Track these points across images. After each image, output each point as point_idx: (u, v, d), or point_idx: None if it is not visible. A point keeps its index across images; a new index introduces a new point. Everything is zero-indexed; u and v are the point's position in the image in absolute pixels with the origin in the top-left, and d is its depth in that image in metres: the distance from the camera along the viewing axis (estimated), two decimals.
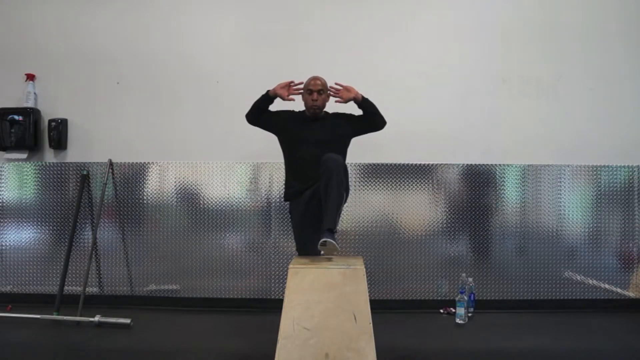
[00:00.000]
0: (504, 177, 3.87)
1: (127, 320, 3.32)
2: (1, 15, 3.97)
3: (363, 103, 3.03)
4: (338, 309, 2.36)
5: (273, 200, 3.85)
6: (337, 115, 3.15)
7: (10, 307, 3.61)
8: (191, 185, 3.90)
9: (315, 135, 2.99)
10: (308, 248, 2.92)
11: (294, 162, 3.07)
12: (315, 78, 3.06)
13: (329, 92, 3.08)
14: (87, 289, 3.60)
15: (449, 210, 3.85)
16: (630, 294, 3.80)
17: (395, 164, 3.84)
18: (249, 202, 3.87)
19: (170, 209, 3.89)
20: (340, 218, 3.77)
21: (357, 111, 3.10)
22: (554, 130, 3.88)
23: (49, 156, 3.96)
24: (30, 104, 3.89)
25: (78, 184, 3.86)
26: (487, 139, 3.88)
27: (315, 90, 3.01)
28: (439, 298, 3.78)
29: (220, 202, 3.87)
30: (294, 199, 3.05)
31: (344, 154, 3.03)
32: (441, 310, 3.71)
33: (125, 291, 3.87)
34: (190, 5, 3.94)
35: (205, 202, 3.88)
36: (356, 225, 3.82)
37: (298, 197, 3.01)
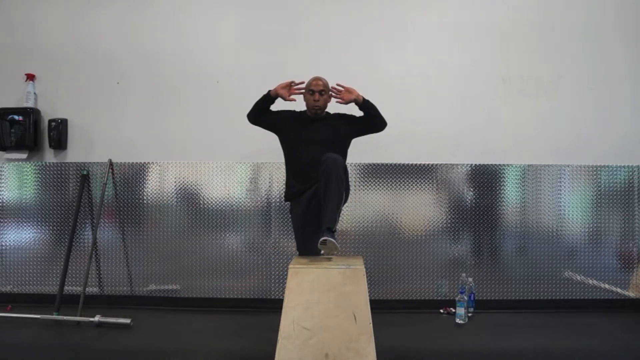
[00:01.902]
0: (504, 177, 3.87)
1: (127, 320, 3.32)
2: (1, 15, 3.97)
3: (364, 105, 3.03)
4: (338, 309, 2.36)
5: (273, 200, 3.85)
6: (338, 115, 3.15)
7: (10, 307, 3.61)
8: (191, 185, 3.90)
9: (315, 136, 2.99)
10: (308, 248, 2.92)
11: (294, 162, 3.07)
12: (317, 78, 3.06)
13: (330, 92, 3.08)
14: (87, 289, 3.60)
15: (449, 210, 3.85)
16: (630, 294, 3.80)
17: (395, 164, 3.84)
18: (249, 202, 3.87)
19: (170, 209, 3.89)
20: (340, 218, 3.78)
21: (359, 112, 3.10)
22: (554, 130, 3.88)
23: (49, 156, 3.96)
24: (30, 104, 3.89)
25: (78, 184, 3.86)
26: (487, 139, 3.88)
27: (317, 90, 3.00)
28: (439, 298, 3.78)
29: (220, 202, 3.87)
30: (295, 199, 3.05)
31: (344, 155, 3.03)
32: (441, 310, 3.71)
33: (125, 291, 3.87)
34: (190, 5, 3.94)
35: (205, 202, 3.88)
36: (356, 225, 3.82)
37: (298, 197, 3.01)
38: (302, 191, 2.98)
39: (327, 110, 3.12)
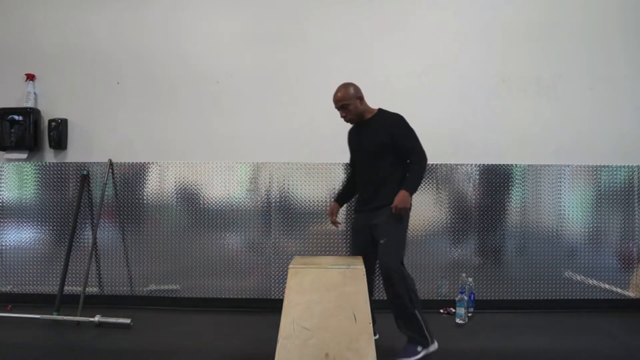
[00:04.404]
0: (504, 177, 3.87)
1: (127, 320, 3.32)
2: (1, 15, 3.97)
3: (411, 192, 2.78)
4: (338, 309, 2.36)
5: (273, 200, 3.85)
6: (384, 120, 2.90)
7: (10, 307, 3.62)
8: (191, 185, 3.90)
9: (360, 144, 2.95)
10: (354, 253, 3.01)
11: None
12: (335, 93, 2.89)
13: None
14: (87, 289, 3.60)
15: (449, 211, 3.84)
16: (630, 294, 3.80)
17: None
18: (249, 202, 3.87)
19: (170, 209, 3.89)
20: (341, 217, 3.78)
21: (401, 108, 3.00)
22: (554, 130, 3.88)
23: (49, 156, 3.96)
24: (30, 104, 3.89)
25: (78, 184, 3.86)
26: (487, 139, 3.87)
27: (338, 108, 2.90)
28: (439, 298, 3.78)
29: (220, 202, 3.87)
30: (356, 212, 3.09)
31: (389, 164, 2.85)
32: (441, 310, 3.71)
33: (125, 291, 3.87)
34: (190, 5, 3.94)
35: (205, 202, 3.88)
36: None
37: (357, 212, 3.05)
38: (358, 201, 3.04)
39: (381, 107, 2.96)
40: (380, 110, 2.96)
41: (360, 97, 2.90)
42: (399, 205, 2.72)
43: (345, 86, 2.90)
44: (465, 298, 3.50)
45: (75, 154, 3.94)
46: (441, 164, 3.84)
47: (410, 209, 2.81)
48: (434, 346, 2.78)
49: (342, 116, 2.91)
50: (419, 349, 2.74)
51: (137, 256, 3.87)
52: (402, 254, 2.86)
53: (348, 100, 2.85)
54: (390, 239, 2.77)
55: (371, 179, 2.89)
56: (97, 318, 3.33)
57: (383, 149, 2.83)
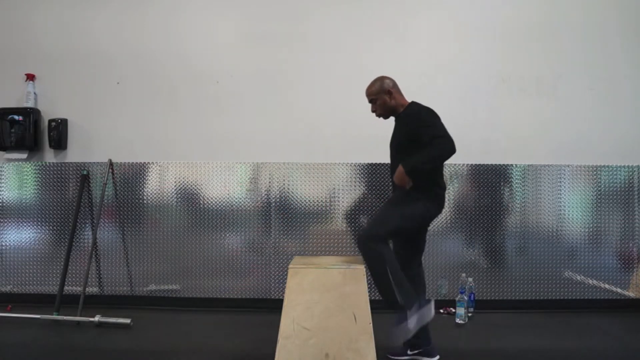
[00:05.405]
0: (504, 177, 3.87)
1: (127, 320, 3.32)
2: (1, 15, 3.97)
3: (413, 172, 2.54)
4: (338, 309, 2.37)
5: (273, 200, 3.85)
6: (405, 117, 2.76)
7: (10, 307, 3.61)
8: (191, 185, 3.90)
9: (391, 141, 2.85)
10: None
11: None
12: (367, 86, 2.84)
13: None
14: (87, 289, 3.60)
15: (449, 211, 3.84)
16: (630, 294, 3.80)
17: None
18: (249, 202, 3.87)
19: (170, 209, 3.89)
20: (339, 217, 3.79)
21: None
22: (554, 130, 3.88)
23: (49, 156, 3.96)
24: (30, 104, 3.89)
25: (78, 184, 3.86)
26: (487, 139, 3.87)
27: (369, 102, 2.83)
28: (439, 298, 3.77)
29: (220, 202, 3.87)
30: None
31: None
32: (441, 310, 3.70)
33: (125, 291, 3.87)
34: (190, 5, 3.94)
35: (205, 202, 3.88)
36: (356, 225, 3.82)
37: None
38: None
39: (415, 101, 2.81)
40: (409, 104, 2.79)
41: (389, 92, 2.76)
42: (395, 182, 2.57)
43: (376, 80, 2.83)
44: (465, 298, 3.50)
45: (75, 154, 3.94)
46: None
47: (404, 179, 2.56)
48: (429, 308, 2.48)
49: (372, 111, 2.83)
50: (408, 313, 2.42)
51: (137, 256, 3.87)
52: (382, 231, 2.53)
53: (375, 95, 2.79)
54: (378, 212, 2.71)
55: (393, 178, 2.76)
56: (97, 318, 3.33)
57: (401, 149, 2.69)
